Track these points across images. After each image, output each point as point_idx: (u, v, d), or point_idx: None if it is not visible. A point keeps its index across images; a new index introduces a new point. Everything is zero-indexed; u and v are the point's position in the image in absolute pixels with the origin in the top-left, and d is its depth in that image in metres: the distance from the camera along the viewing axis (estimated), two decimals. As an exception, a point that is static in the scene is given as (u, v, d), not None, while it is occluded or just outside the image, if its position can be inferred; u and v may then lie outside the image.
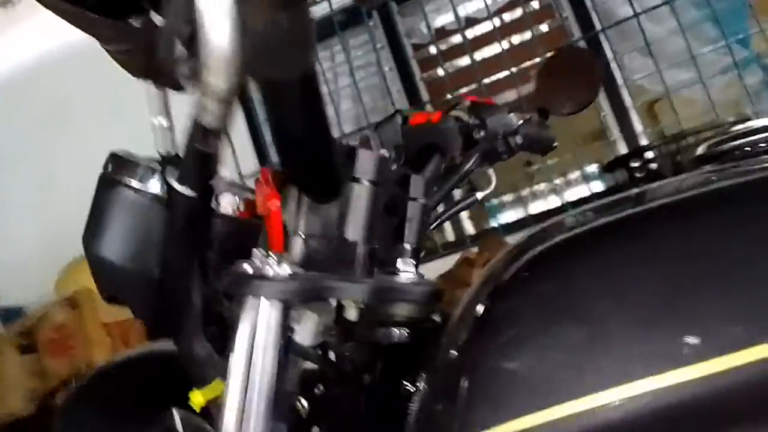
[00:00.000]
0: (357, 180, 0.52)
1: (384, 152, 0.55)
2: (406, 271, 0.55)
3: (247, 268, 0.48)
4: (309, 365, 0.57)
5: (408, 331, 0.54)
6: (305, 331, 0.55)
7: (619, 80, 2.41)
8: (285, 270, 0.48)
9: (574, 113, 0.83)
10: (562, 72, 0.84)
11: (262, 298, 0.47)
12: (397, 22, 2.72)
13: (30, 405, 2.18)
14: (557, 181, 2.96)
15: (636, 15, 2.31)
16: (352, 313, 0.56)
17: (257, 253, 0.50)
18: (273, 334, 0.48)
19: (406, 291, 0.54)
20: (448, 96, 2.57)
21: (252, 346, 0.48)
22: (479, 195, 0.77)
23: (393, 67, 2.72)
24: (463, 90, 2.57)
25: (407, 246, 0.57)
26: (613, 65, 2.41)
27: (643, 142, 2.36)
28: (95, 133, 2.81)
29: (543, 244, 0.48)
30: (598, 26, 2.43)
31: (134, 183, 0.55)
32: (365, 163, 0.52)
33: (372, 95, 2.78)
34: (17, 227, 2.96)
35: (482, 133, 0.75)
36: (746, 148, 0.51)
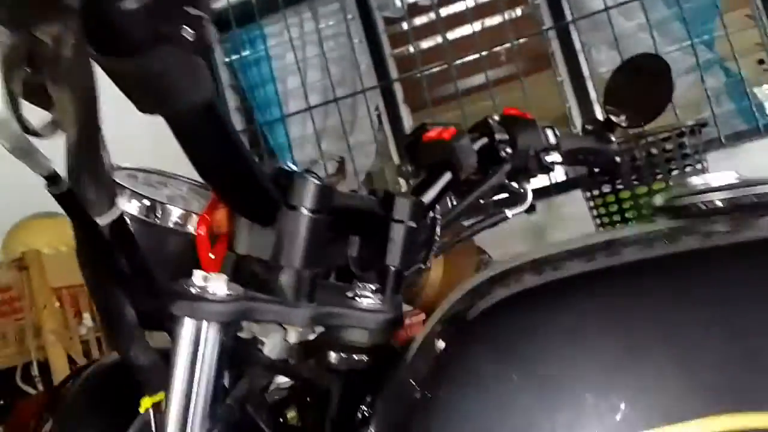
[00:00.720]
0: (294, 207, 0.50)
1: (328, 180, 0.53)
2: (362, 296, 0.55)
3: (184, 287, 0.48)
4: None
5: (365, 357, 0.54)
6: (271, 345, 0.55)
7: (586, 72, 2.43)
8: (221, 291, 0.48)
9: (646, 124, 0.80)
10: (633, 81, 0.82)
11: (195, 319, 0.48)
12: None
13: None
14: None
15: (606, 9, 2.33)
16: (292, 336, 0.55)
17: (197, 273, 0.49)
18: (209, 350, 0.48)
19: (350, 317, 0.53)
20: (417, 74, 2.55)
21: (191, 362, 0.48)
22: (510, 212, 0.75)
23: (363, 40, 2.68)
24: (433, 68, 2.55)
25: (391, 267, 0.57)
26: (581, 57, 2.43)
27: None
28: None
29: (508, 287, 0.49)
30: (569, 16, 2.43)
31: None
32: (302, 192, 0.51)
33: (340, 67, 2.74)
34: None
35: (509, 150, 0.73)
36: (701, 205, 0.53)
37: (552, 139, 0.75)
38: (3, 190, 2.73)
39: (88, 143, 0.43)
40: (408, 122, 2.65)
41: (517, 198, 0.77)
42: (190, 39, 0.36)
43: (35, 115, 0.43)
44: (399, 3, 2.66)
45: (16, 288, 2.14)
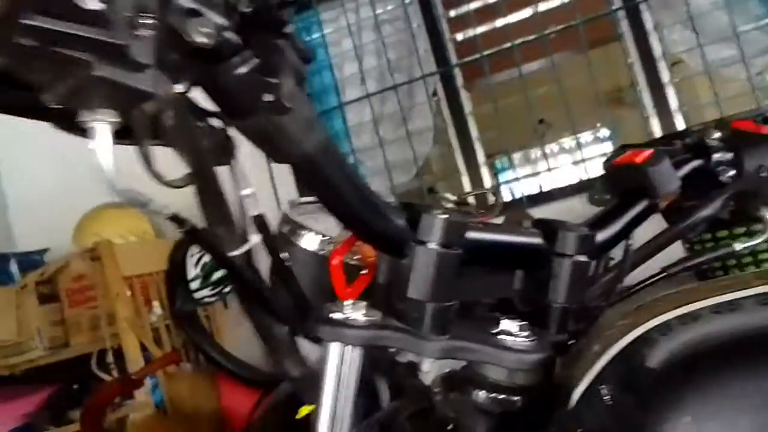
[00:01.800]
0: (422, 242, 0.50)
1: (454, 218, 0.52)
2: (506, 332, 0.53)
3: (327, 312, 0.52)
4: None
5: (514, 397, 0.52)
6: (428, 375, 0.55)
7: (657, 53, 2.33)
8: (358, 318, 0.51)
9: None
10: None
11: (338, 342, 0.51)
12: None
13: (48, 354, 2.21)
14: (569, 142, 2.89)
15: (682, -14, 2.22)
16: (425, 365, 0.55)
17: (343, 300, 0.52)
18: (351, 369, 0.52)
19: (486, 354, 0.52)
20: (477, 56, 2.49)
21: (337, 382, 0.52)
22: (738, 246, 0.68)
23: (421, 24, 2.63)
24: (491, 51, 2.49)
25: (553, 305, 0.54)
26: (653, 37, 2.33)
27: (679, 119, 2.30)
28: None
29: (683, 336, 0.46)
30: (640, -6, 2.33)
31: None
32: (429, 227, 0.50)
33: (398, 52, 2.70)
34: (36, 171, 2.93)
35: (731, 173, 0.66)
36: None
37: None
38: (73, 181, 2.82)
39: (209, 187, 0.48)
40: (468, 107, 2.60)
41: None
42: (275, 103, 0.41)
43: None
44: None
45: (89, 277, 2.20)
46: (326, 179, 0.47)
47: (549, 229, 0.56)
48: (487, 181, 2.59)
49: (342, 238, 0.56)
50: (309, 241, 0.60)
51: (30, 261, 2.51)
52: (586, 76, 2.33)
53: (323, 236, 0.59)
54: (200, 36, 0.36)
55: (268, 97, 0.40)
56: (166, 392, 2.16)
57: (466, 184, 2.60)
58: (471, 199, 2.51)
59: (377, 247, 0.53)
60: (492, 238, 0.54)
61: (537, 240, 0.56)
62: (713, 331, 0.46)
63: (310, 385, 0.55)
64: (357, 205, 0.48)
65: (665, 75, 2.31)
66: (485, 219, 0.53)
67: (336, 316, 0.51)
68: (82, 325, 2.22)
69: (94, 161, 0.36)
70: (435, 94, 2.63)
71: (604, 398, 0.45)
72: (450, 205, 0.53)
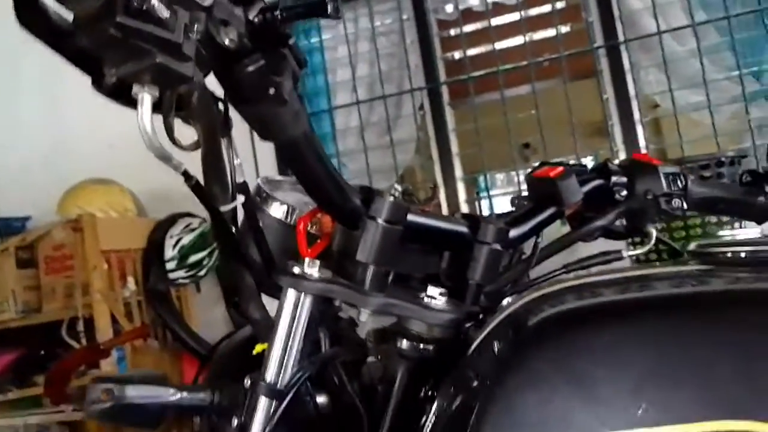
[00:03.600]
0: (372, 218, 0.63)
1: (399, 201, 0.64)
2: (429, 296, 0.65)
3: (290, 267, 0.64)
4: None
5: (430, 347, 0.64)
6: (363, 328, 0.67)
7: (632, 92, 2.47)
8: (314, 273, 0.63)
9: None
10: None
11: (294, 289, 0.64)
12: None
13: (20, 316, 2.27)
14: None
15: (659, 32, 2.36)
16: (363, 316, 0.66)
17: (300, 258, 0.65)
18: (303, 315, 0.64)
19: (413, 311, 0.65)
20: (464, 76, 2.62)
21: (290, 322, 0.64)
22: (626, 253, 0.80)
23: (415, 40, 2.75)
24: (479, 73, 2.61)
25: (471, 282, 0.67)
26: (629, 77, 2.47)
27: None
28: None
29: (564, 303, 0.58)
30: (621, 36, 2.47)
31: None
32: (379, 206, 0.63)
33: (390, 64, 2.81)
34: (25, 139, 2.98)
35: (623, 194, 0.78)
36: (728, 255, 0.62)
37: (677, 185, 0.79)
38: (61, 155, 2.88)
39: (214, 153, 0.59)
40: (451, 124, 2.72)
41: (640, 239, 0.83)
42: (276, 96, 0.53)
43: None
44: (452, 8, 2.73)
45: (69, 247, 2.27)
46: (304, 159, 0.58)
47: (474, 221, 0.69)
48: (462, 196, 2.71)
49: (306, 210, 0.68)
50: (277, 210, 0.71)
51: (11, 227, 2.57)
52: (565, 108, 2.47)
53: (289, 207, 0.71)
54: (227, 40, 0.49)
55: (271, 91, 0.52)
56: (131, 365, 2.23)
57: (443, 197, 2.72)
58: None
59: (336, 218, 0.65)
60: (427, 222, 0.66)
61: (463, 228, 0.68)
62: (586, 303, 0.59)
63: (266, 327, 0.66)
64: (325, 182, 0.60)
65: (636, 113, 2.45)
66: (424, 208, 0.66)
67: (295, 269, 0.63)
68: (56, 293, 2.28)
69: (137, 123, 0.47)
70: (421, 107, 2.75)
71: (493, 349, 0.57)
72: (398, 195, 0.65)
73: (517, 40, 2.62)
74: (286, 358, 0.64)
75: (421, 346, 0.66)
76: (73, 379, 2.18)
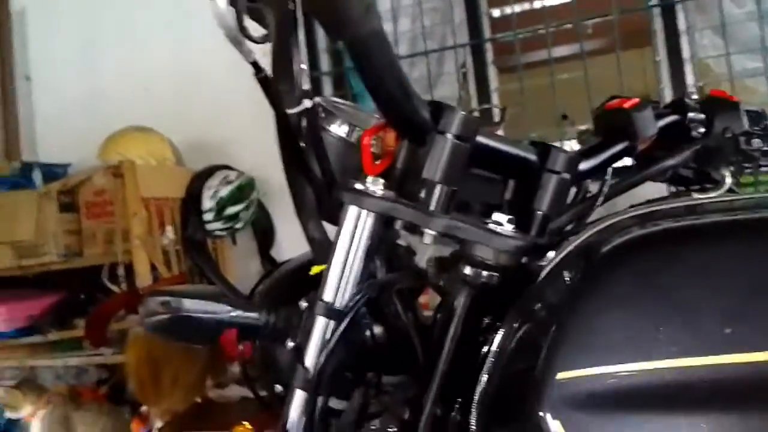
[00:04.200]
0: (441, 132, 0.59)
1: (470, 114, 0.61)
2: (496, 222, 0.62)
3: (352, 183, 0.61)
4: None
5: (496, 274, 0.61)
6: (421, 255, 0.64)
7: (686, 55, 2.37)
8: (377, 190, 0.61)
9: None
10: None
11: (356, 206, 0.62)
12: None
13: (62, 259, 2.31)
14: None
15: (719, -9, 2.25)
16: (427, 238, 0.63)
17: (363, 176, 0.62)
18: (365, 234, 0.62)
19: (478, 235, 0.62)
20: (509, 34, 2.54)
21: (350, 240, 0.62)
22: (697, 195, 0.75)
23: (460, -5, 2.68)
24: (525, 31, 2.54)
25: (537, 212, 0.63)
26: (683, 39, 2.37)
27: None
28: (140, 2, 2.82)
29: (646, 228, 0.55)
30: (677, -5, 2.37)
31: None
32: (450, 120, 0.59)
33: (432, 20, 2.74)
34: (63, 85, 3.00)
35: (701, 130, 0.74)
36: None
37: (759, 125, 0.75)
38: (101, 99, 2.90)
39: (284, 49, 0.56)
40: (494, 83, 2.65)
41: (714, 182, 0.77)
42: None
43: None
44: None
45: (109, 193, 2.29)
46: (373, 62, 0.55)
47: (544, 148, 0.65)
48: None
49: (370, 125, 0.65)
50: (337, 127, 0.68)
51: (52, 172, 2.60)
52: (613, 74, 2.38)
53: (350, 124, 0.68)
54: None
55: None
56: (169, 312, 2.26)
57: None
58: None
59: (403, 132, 0.62)
60: (496, 145, 0.63)
61: (532, 155, 0.65)
62: (663, 227, 0.56)
63: (325, 247, 0.64)
64: (395, 90, 0.57)
65: (690, 77, 2.36)
66: (491, 130, 0.63)
67: (358, 186, 0.61)
68: (97, 238, 2.31)
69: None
70: (464, 65, 2.69)
71: (564, 279, 0.54)
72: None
73: (567, -2, 2.52)
74: (345, 278, 0.62)
75: (485, 273, 0.63)
76: (112, 322, 2.22)
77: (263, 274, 0.85)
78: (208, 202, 2.42)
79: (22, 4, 3.04)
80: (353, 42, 0.54)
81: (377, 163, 0.66)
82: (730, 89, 2.28)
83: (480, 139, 0.62)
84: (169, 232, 2.34)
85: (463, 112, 0.60)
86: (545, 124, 2.71)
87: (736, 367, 0.45)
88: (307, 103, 0.59)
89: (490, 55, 2.66)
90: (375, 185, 0.61)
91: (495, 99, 2.65)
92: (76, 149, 2.65)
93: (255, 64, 0.56)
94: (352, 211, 0.61)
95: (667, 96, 2.40)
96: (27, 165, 2.56)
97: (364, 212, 0.61)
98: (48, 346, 2.39)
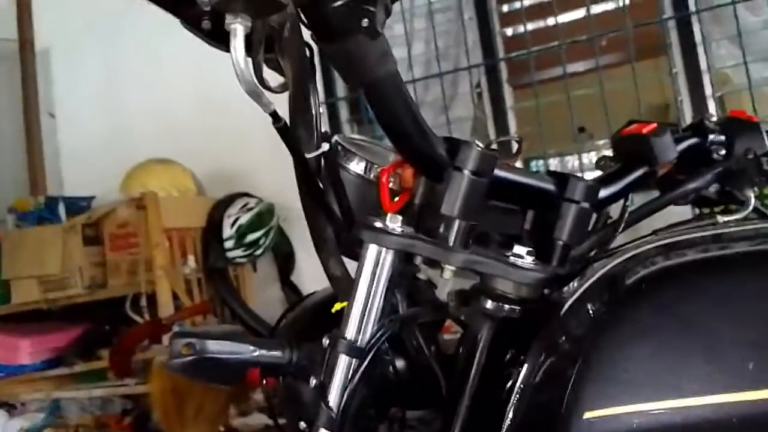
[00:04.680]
0: (458, 168, 0.59)
1: (486, 150, 0.61)
2: (516, 255, 0.62)
3: (371, 221, 0.61)
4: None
5: (518, 308, 0.61)
6: (441, 288, 0.64)
7: (703, 66, 2.35)
8: (396, 227, 0.60)
9: None
10: None
11: (376, 244, 0.61)
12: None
13: (87, 291, 2.34)
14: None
15: (733, 2, 2.24)
16: (447, 274, 0.63)
17: (382, 212, 0.63)
18: (384, 270, 0.61)
19: (498, 268, 0.61)
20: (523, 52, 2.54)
21: (371, 280, 0.61)
22: (722, 219, 0.72)
23: (473, 16, 2.69)
24: (538, 49, 2.53)
25: (557, 241, 0.63)
26: (700, 50, 2.35)
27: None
28: (162, 38, 2.87)
29: (671, 258, 0.54)
30: (692, 6, 2.35)
31: None
32: (466, 156, 0.59)
33: (446, 41, 2.76)
34: (86, 120, 3.07)
35: (722, 153, 0.73)
36: None
37: None
38: (122, 134, 2.95)
39: (302, 96, 0.58)
40: (509, 101, 2.65)
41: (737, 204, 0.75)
42: (370, 28, 0.50)
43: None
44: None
45: (133, 225, 2.32)
46: (390, 104, 0.56)
47: (561, 178, 0.65)
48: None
49: (387, 163, 0.66)
50: (356, 165, 0.68)
51: (77, 206, 2.65)
52: (630, 87, 2.36)
53: (368, 162, 0.69)
54: None
55: (364, 22, 0.50)
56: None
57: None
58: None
59: (420, 169, 0.62)
60: (514, 177, 0.63)
61: (551, 186, 0.64)
62: (681, 262, 0.55)
63: (347, 284, 0.64)
64: (411, 128, 0.57)
65: (708, 88, 2.33)
66: (508, 162, 0.62)
67: (377, 223, 0.60)
68: (120, 269, 2.34)
69: (231, 58, 0.46)
70: (478, 85, 2.69)
71: (588, 311, 0.54)
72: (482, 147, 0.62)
73: (581, 13, 2.52)
74: (366, 315, 0.62)
75: (507, 306, 0.62)
76: (136, 353, 2.24)
77: (286, 309, 0.84)
78: (228, 230, 2.45)
79: (46, 44, 3.12)
80: (370, 86, 0.55)
81: (396, 200, 0.66)
82: (749, 98, 2.26)
83: (497, 172, 0.61)
84: (191, 261, 2.37)
85: (479, 148, 0.60)
86: (562, 139, 2.70)
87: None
88: (325, 146, 0.60)
89: (504, 74, 2.66)
90: (394, 222, 0.61)
91: (510, 117, 2.65)
92: (100, 183, 2.70)
93: (274, 115, 0.56)
94: (371, 248, 0.61)
95: (686, 107, 2.37)
96: (52, 199, 2.61)
97: (384, 249, 0.61)
98: (73, 378, 2.41)
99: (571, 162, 4.43)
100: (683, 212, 0.82)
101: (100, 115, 3.04)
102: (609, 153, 0.79)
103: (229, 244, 2.45)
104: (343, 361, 0.62)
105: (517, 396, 0.55)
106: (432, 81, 2.70)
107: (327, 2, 0.49)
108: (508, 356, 0.64)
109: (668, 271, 0.54)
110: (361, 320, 0.62)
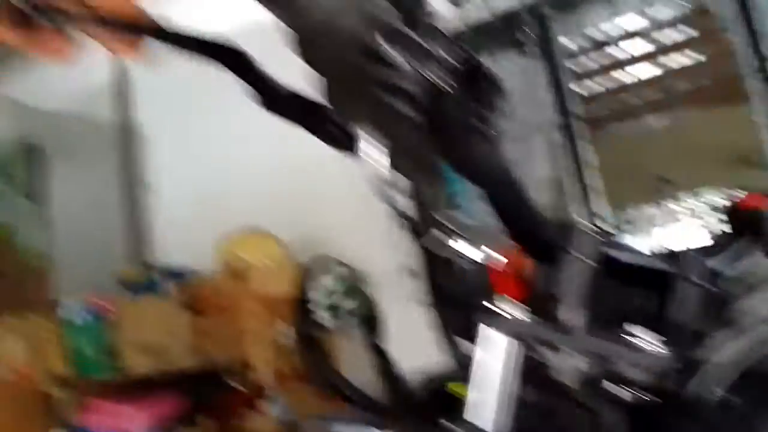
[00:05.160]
0: (572, 253, 0.61)
1: (598, 235, 0.63)
2: (639, 337, 0.63)
3: (483, 306, 0.63)
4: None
5: (646, 396, 0.62)
6: (565, 370, 0.66)
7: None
8: (516, 314, 0.62)
9: None
10: None
11: (493, 329, 0.62)
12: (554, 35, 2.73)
13: (193, 360, 2.46)
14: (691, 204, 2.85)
15: (817, 47, 2.20)
16: (568, 362, 0.65)
17: (501, 297, 0.64)
18: (501, 360, 0.62)
19: (622, 354, 0.62)
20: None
21: (491, 364, 0.62)
22: None
23: (543, 78, 2.75)
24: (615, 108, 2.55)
25: (678, 324, 0.65)
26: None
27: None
28: (249, 111, 3.05)
29: None
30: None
31: None
32: (580, 241, 0.62)
33: (518, 101, 2.82)
34: (179, 197, 3.28)
35: None
36: None
37: None
38: (210, 209, 3.13)
39: (426, 199, 0.60)
40: (586, 157, 2.67)
41: None
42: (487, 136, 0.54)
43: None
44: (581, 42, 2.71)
45: (229, 294, 2.45)
46: (503, 190, 0.60)
47: (676, 257, 0.66)
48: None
49: (494, 248, 0.69)
50: (465, 248, 0.73)
51: (175, 275, 2.82)
52: (710, 136, 2.34)
53: (476, 243, 0.73)
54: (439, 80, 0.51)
55: (490, 131, 0.54)
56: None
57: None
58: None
59: (533, 254, 0.65)
60: (628, 259, 0.65)
61: (668, 266, 0.66)
62: None
63: (465, 367, 0.65)
64: (524, 213, 0.62)
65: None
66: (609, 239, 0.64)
67: (494, 309, 0.63)
68: (218, 337, 2.46)
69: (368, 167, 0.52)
70: (553, 143, 2.73)
71: (729, 403, 0.53)
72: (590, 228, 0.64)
73: (657, 71, 2.53)
74: (488, 401, 0.63)
75: (633, 391, 0.63)
76: (233, 420, 2.32)
77: (395, 384, 0.88)
78: (320, 299, 2.53)
79: (142, 119, 3.42)
80: (484, 176, 0.58)
81: (510, 284, 0.69)
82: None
83: (611, 254, 0.64)
84: (284, 328, 2.46)
85: (591, 233, 0.63)
86: (644, 191, 2.67)
87: None
88: (453, 243, 0.64)
89: (580, 131, 2.68)
90: (510, 307, 0.63)
91: (589, 175, 2.65)
92: (193, 251, 2.85)
93: (404, 215, 0.58)
94: (489, 333, 0.63)
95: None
96: (156, 270, 2.79)
97: (502, 334, 0.63)
98: (175, 445, 2.51)
99: (652, 212, 4.32)
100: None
101: (189, 185, 3.23)
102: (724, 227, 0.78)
103: (320, 311, 2.52)
104: None
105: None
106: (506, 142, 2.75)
107: (446, 111, 0.52)
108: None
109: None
110: (482, 407, 0.63)
